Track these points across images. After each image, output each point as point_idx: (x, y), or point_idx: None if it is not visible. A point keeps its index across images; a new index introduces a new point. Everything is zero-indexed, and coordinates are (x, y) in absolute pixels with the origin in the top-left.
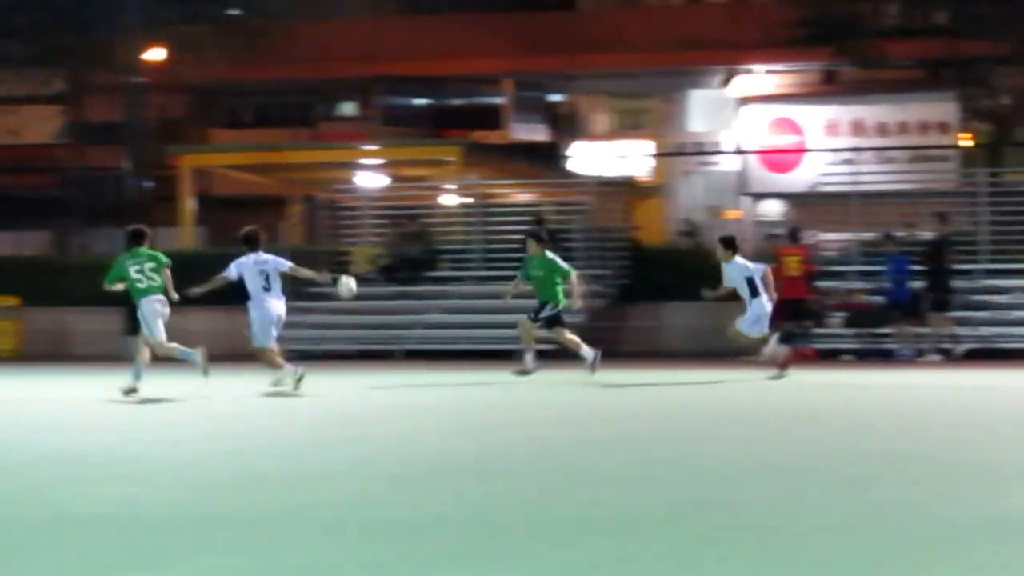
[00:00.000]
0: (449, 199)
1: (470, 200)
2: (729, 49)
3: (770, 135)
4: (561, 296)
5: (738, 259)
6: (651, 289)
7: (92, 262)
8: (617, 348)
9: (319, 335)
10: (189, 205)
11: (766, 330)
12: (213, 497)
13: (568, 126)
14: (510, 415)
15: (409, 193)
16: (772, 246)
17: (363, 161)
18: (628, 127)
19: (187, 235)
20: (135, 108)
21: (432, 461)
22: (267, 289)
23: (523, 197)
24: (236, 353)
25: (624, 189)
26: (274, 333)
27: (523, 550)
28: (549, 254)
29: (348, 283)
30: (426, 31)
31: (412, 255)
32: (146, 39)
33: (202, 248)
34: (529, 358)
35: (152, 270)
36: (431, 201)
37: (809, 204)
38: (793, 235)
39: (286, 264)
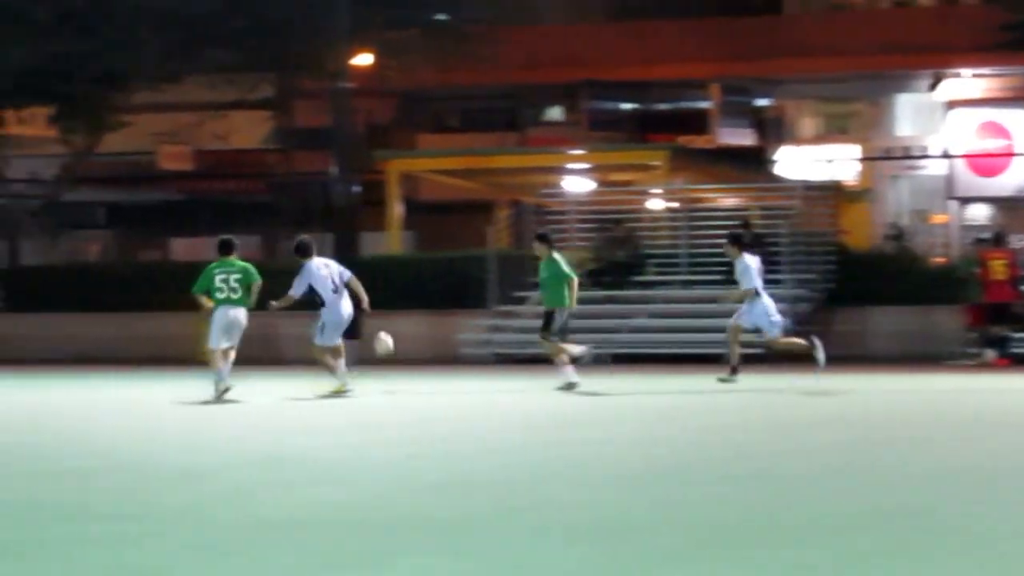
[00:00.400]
0: (655, 203)
1: (676, 204)
2: (937, 53)
3: (977, 139)
4: (568, 299)
5: (746, 257)
6: (857, 293)
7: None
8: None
9: (524, 339)
10: (396, 210)
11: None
12: (420, 499)
13: (774, 130)
14: (711, 420)
15: (615, 197)
16: (978, 250)
17: (570, 165)
18: (835, 131)
19: (394, 240)
20: (342, 113)
21: (637, 464)
22: (336, 292)
23: (729, 201)
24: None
25: (830, 193)
26: (339, 335)
27: (728, 554)
28: (556, 256)
29: (386, 342)
30: (633, 36)
31: (618, 259)
32: (353, 44)
33: (409, 253)
34: (569, 369)
35: (237, 281)
36: (637, 205)
37: (1016, 208)
38: (999, 239)
39: (348, 273)
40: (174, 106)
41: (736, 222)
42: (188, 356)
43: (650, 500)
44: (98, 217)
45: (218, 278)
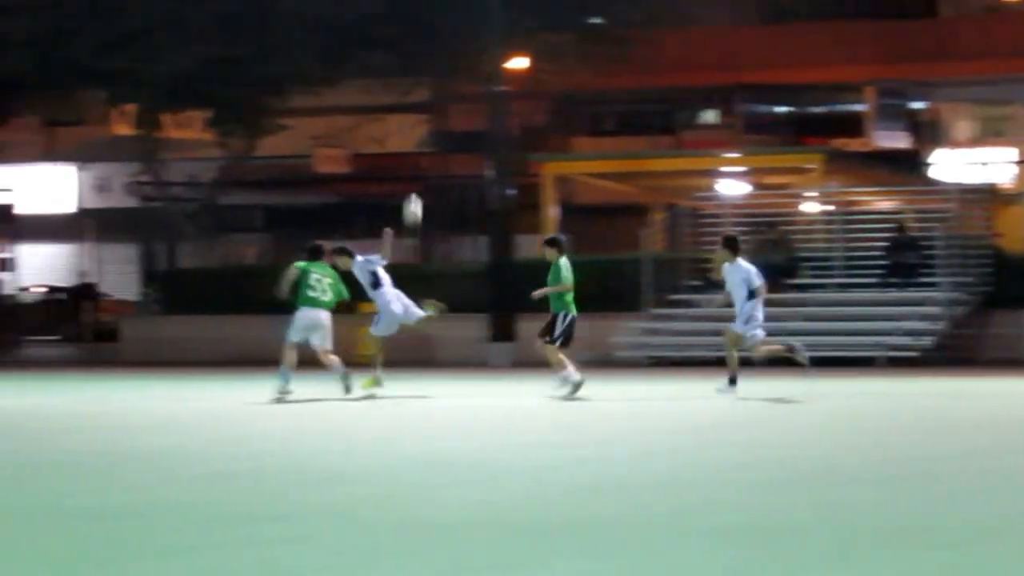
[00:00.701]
0: (810, 206)
1: (831, 208)
2: None
3: None
4: (573, 305)
5: (740, 261)
6: (1013, 297)
7: (457, 269)
8: (977, 356)
9: (680, 342)
10: (551, 213)
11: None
12: (570, 502)
13: (930, 133)
14: (859, 424)
15: (770, 200)
16: None
17: (724, 168)
18: (990, 134)
19: None
20: (498, 116)
21: (787, 467)
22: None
23: (884, 205)
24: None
25: (986, 196)
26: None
27: (883, 556)
28: (563, 261)
29: (414, 210)
30: (787, 39)
31: (773, 262)
32: (508, 48)
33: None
34: (570, 370)
35: (329, 285)
36: (792, 208)
37: None
38: None
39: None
40: (331, 110)
41: (891, 225)
42: (345, 358)
43: (803, 502)
44: (255, 220)
45: (314, 276)
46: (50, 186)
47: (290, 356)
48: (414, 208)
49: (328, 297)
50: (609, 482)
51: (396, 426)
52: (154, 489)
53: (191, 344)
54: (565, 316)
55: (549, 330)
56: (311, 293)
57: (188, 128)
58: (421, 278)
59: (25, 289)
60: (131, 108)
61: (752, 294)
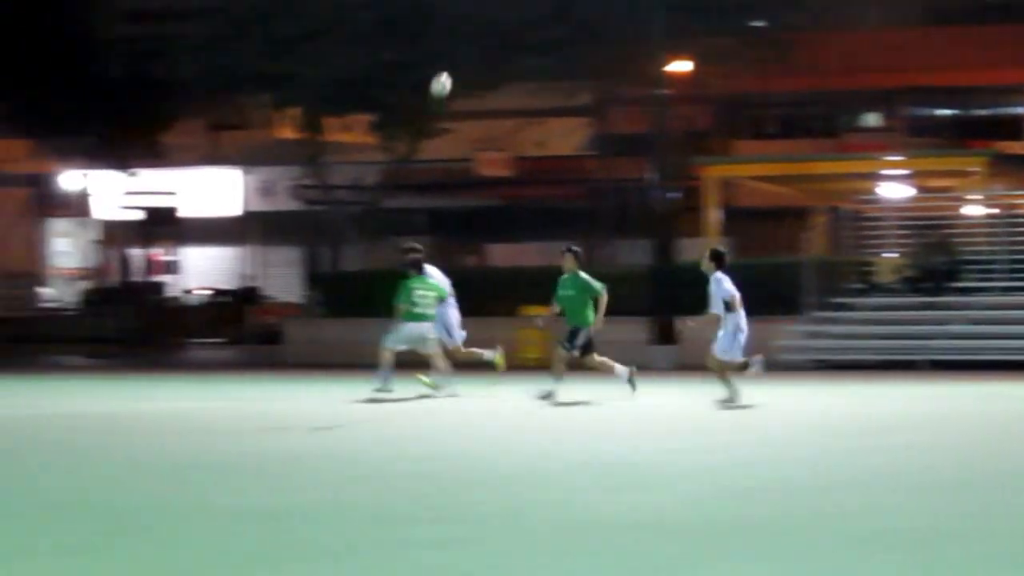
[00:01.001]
0: (973, 210)
1: (995, 211)
2: None
3: None
4: (591, 318)
5: (719, 275)
6: None
7: (618, 272)
8: None
9: (844, 345)
10: (714, 216)
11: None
12: (735, 504)
13: None
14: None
15: (933, 203)
16: None
17: (887, 172)
18: None
19: (712, 246)
20: (660, 120)
21: (949, 471)
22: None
23: None
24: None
25: None
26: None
27: None
28: (582, 273)
29: (444, 83)
30: (952, 42)
31: (936, 265)
32: (671, 51)
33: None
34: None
35: (432, 298)
36: (955, 212)
37: None
38: None
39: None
40: (493, 113)
41: None
42: (509, 360)
43: (966, 507)
44: (417, 223)
45: (418, 293)
46: (215, 189)
47: (388, 357)
48: (444, 82)
49: (432, 310)
50: (773, 484)
51: (560, 429)
52: (320, 490)
53: (353, 346)
54: (586, 331)
55: (571, 341)
56: (416, 309)
57: (351, 132)
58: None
59: (189, 292)
60: (295, 112)
61: (728, 306)
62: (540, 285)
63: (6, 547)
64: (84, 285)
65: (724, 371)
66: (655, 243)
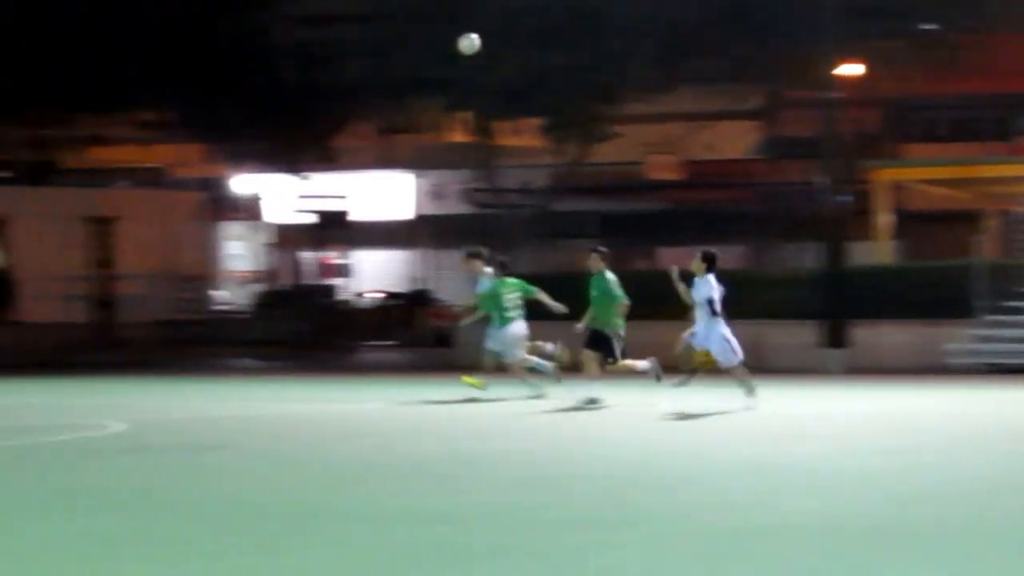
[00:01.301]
0: None
1: None
2: None
3: None
4: (616, 321)
5: (710, 278)
6: None
7: (787, 276)
8: None
9: (1016, 349)
10: (884, 219)
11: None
12: (899, 509)
13: None
14: None
15: None
16: None
17: None
18: None
19: (882, 249)
20: (830, 123)
21: None
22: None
23: None
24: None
25: None
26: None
27: None
28: (609, 275)
29: (473, 42)
30: None
31: None
32: (841, 54)
33: (897, 262)
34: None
35: (519, 298)
36: None
37: None
38: None
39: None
40: (663, 116)
41: None
42: (675, 363)
43: None
44: (587, 226)
45: (507, 297)
46: (386, 193)
47: (521, 368)
48: (473, 41)
49: (521, 311)
50: (939, 488)
51: (728, 431)
52: (491, 493)
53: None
54: (615, 332)
55: (604, 347)
56: (508, 313)
57: (522, 135)
58: (754, 284)
59: (360, 295)
60: (466, 116)
61: (714, 313)
62: None
63: (188, 547)
64: (256, 288)
65: (741, 374)
66: (825, 246)
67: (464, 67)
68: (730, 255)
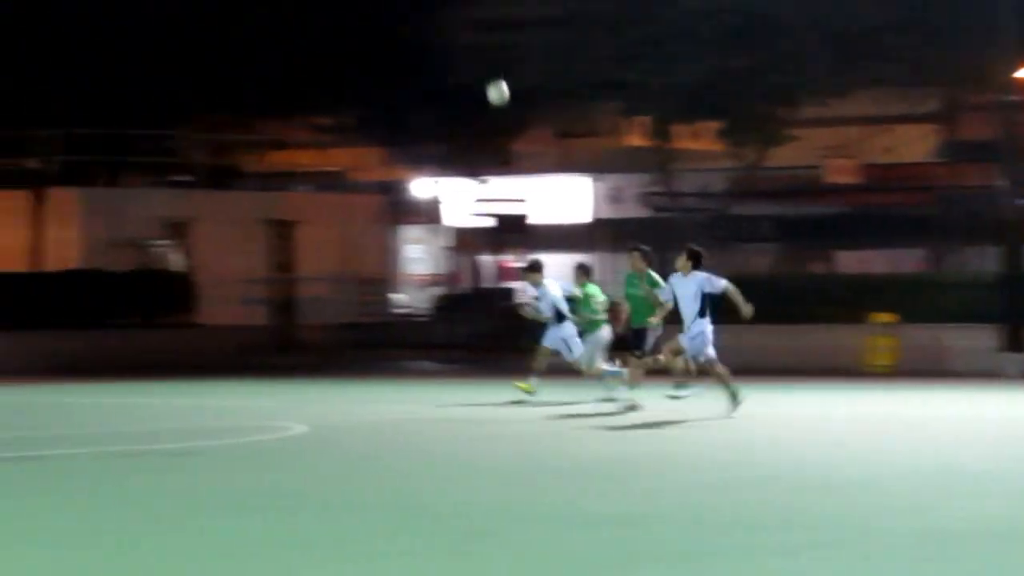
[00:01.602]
0: None
1: None
2: None
3: None
4: (653, 320)
5: (698, 273)
6: None
7: (967, 279)
8: None
9: None
10: None
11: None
12: None
13: None
14: None
15: None
16: None
17: None
18: None
19: None
20: (1009, 126)
21: None
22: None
23: None
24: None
25: None
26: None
27: None
28: (652, 273)
29: (501, 89)
30: None
31: None
32: (1020, 57)
33: None
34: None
35: (599, 304)
36: None
37: None
38: None
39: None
40: (841, 120)
41: None
42: (855, 368)
43: None
44: (766, 230)
45: (595, 300)
46: (564, 196)
47: (635, 374)
48: (503, 89)
49: (604, 316)
50: None
51: (906, 435)
52: (665, 496)
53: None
54: (652, 330)
55: (638, 345)
56: (597, 317)
57: (700, 139)
58: (933, 287)
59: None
60: (644, 119)
61: (704, 311)
62: (887, 292)
63: (360, 549)
64: (435, 291)
65: (723, 376)
66: (1004, 250)
67: (643, 71)
68: (909, 259)
